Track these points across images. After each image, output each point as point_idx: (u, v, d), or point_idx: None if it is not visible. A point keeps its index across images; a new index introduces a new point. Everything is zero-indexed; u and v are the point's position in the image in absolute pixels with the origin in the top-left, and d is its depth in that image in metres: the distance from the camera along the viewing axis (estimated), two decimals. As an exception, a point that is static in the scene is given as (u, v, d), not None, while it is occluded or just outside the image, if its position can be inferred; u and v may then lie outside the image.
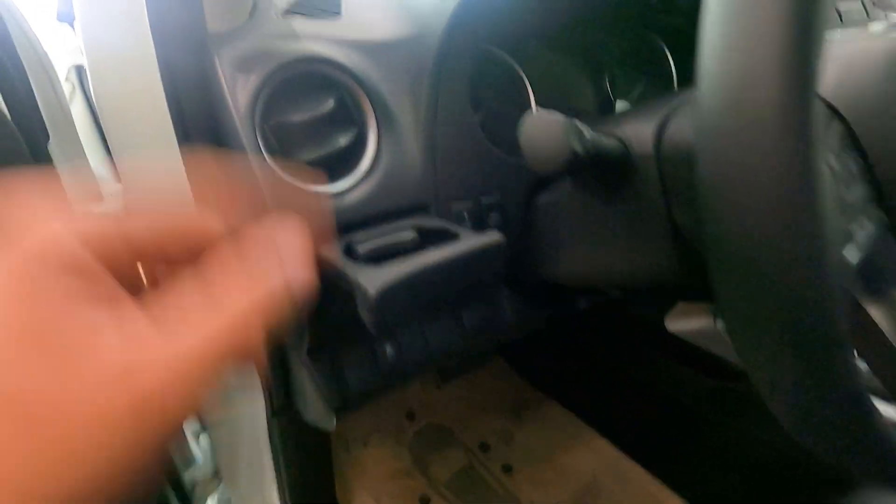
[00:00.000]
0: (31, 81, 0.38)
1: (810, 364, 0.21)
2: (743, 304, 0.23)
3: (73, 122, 0.45)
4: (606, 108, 0.56)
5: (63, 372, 0.13)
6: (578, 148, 0.27)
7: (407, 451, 0.90)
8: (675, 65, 0.56)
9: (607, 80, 0.54)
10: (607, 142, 0.31)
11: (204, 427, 0.71)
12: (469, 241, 0.29)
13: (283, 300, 0.18)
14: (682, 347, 0.73)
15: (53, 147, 0.40)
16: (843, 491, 0.65)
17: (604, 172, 0.35)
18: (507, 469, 0.87)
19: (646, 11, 0.50)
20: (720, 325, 0.71)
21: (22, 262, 0.14)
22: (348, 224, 0.34)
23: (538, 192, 0.43)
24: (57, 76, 0.43)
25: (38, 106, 0.39)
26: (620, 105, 0.55)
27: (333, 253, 0.31)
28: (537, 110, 0.29)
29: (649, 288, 0.51)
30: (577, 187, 0.39)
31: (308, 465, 0.68)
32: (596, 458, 0.88)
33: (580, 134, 0.27)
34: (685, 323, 0.75)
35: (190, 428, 0.72)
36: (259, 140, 0.32)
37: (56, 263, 0.15)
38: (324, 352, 0.39)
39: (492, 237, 0.30)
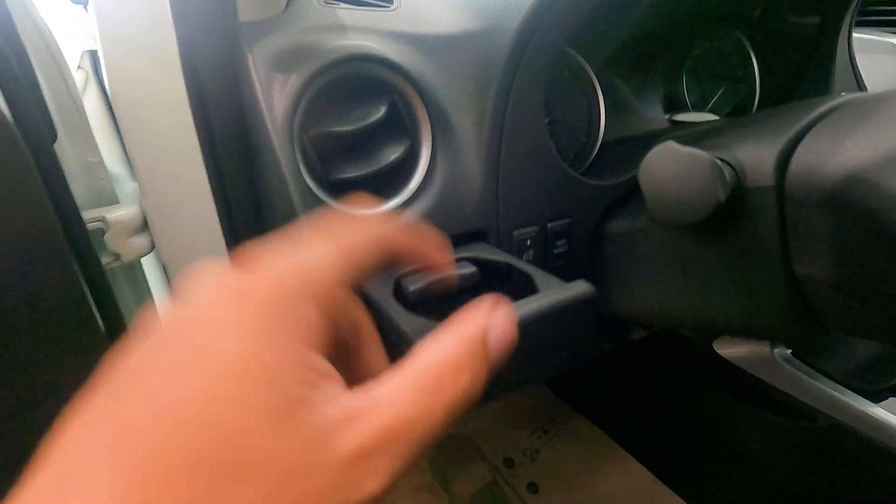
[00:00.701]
0: (35, 71, 0.33)
1: None
2: None
3: (86, 116, 0.40)
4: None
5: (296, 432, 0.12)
6: (723, 196, 0.21)
7: (428, 464, 0.86)
8: (759, 70, 0.49)
9: (684, 85, 0.47)
10: (727, 174, 0.25)
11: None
12: (553, 294, 0.24)
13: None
14: (730, 375, 0.67)
15: (62, 146, 0.35)
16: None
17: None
18: (533, 488, 0.83)
19: (741, 13, 0.43)
20: (777, 352, 0.65)
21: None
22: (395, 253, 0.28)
23: (608, 219, 0.37)
24: (67, 65, 0.38)
25: (43, 99, 0.34)
26: (694, 116, 0.49)
27: (381, 291, 0.26)
28: (669, 143, 0.23)
29: (745, 336, 0.45)
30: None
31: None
32: (629, 483, 0.82)
33: (724, 176, 0.21)
34: (737, 347, 0.69)
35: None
36: (297, 153, 0.27)
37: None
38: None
39: (582, 288, 0.24)
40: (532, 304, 0.22)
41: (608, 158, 0.39)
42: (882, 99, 0.27)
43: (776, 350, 0.63)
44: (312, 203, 0.27)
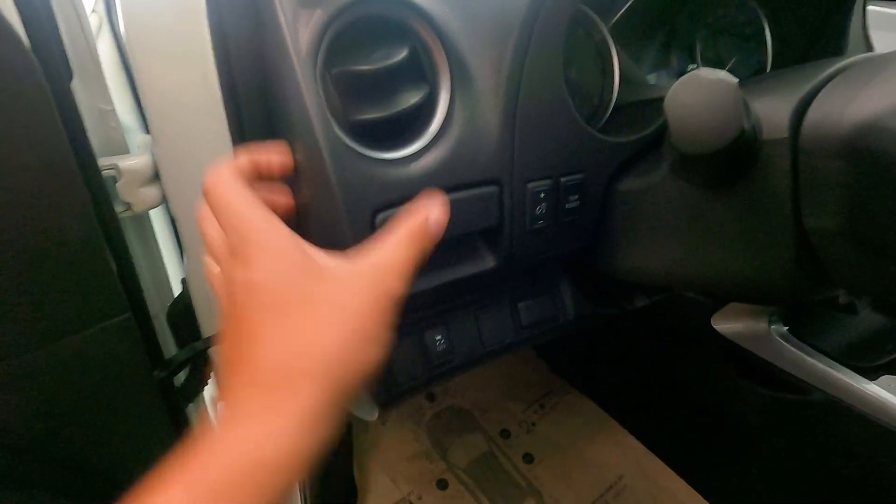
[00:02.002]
0: (55, 12, 0.33)
1: None
2: None
3: (99, 62, 0.40)
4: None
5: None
6: (746, 123, 0.22)
7: (425, 434, 0.87)
8: (772, 38, 0.49)
9: (698, 52, 0.47)
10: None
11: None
12: None
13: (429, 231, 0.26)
14: (728, 351, 0.68)
15: (76, 89, 0.35)
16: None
17: (719, 158, 0.29)
18: (529, 458, 0.85)
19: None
20: (774, 329, 0.66)
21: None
22: (412, 196, 0.29)
23: (620, 177, 0.38)
24: (83, 7, 0.37)
25: (62, 40, 0.34)
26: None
27: None
28: (696, 72, 0.23)
29: (750, 296, 0.45)
30: (676, 173, 0.33)
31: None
32: (622, 454, 0.84)
33: (748, 107, 0.22)
34: (734, 324, 0.70)
35: (208, 393, 0.69)
36: (321, 91, 0.27)
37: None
38: (370, 339, 0.35)
39: None
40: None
41: (621, 119, 0.40)
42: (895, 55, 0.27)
43: (773, 327, 0.64)
44: (335, 143, 0.28)
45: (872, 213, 0.24)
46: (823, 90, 0.27)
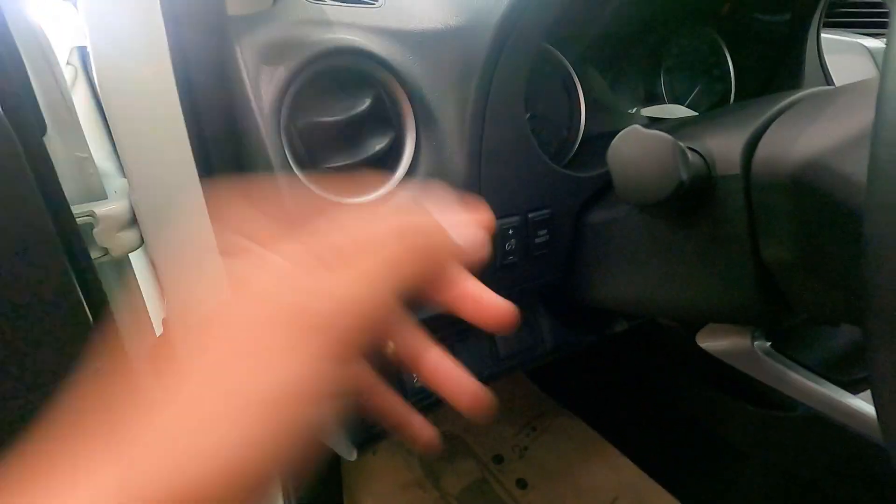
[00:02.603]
0: (26, 66, 0.34)
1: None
2: None
3: (75, 112, 0.40)
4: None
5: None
6: (685, 174, 0.23)
7: (417, 462, 0.86)
8: (734, 67, 0.51)
9: (662, 82, 0.49)
10: (693, 159, 0.26)
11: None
12: None
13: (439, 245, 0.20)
14: (713, 368, 0.68)
15: (51, 141, 0.36)
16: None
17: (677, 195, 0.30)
18: (522, 484, 0.84)
19: (712, 9, 0.45)
20: (757, 345, 0.67)
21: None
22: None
23: (588, 210, 0.38)
24: (57, 60, 0.38)
25: (33, 93, 0.35)
26: (668, 111, 0.50)
27: None
28: (635, 127, 0.24)
29: (718, 321, 0.46)
30: (639, 207, 0.34)
31: (315, 471, 0.65)
32: (616, 476, 0.84)
33: (686, 158, 0.23)
34: (719, 341, 0.70)
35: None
36: (284, 144, 0.28)
37: None
38: (346, 380, 0.35)
39: None
40: None
41: (588, 152, 0.41)
42: (841, 91, 0.28)
43: (756, 343, 0.65)
44: (302, 193, 0.28)
45: (821, 246, 0.25)
46: (772, 126, 0.28)
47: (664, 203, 0.24)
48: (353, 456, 0.38)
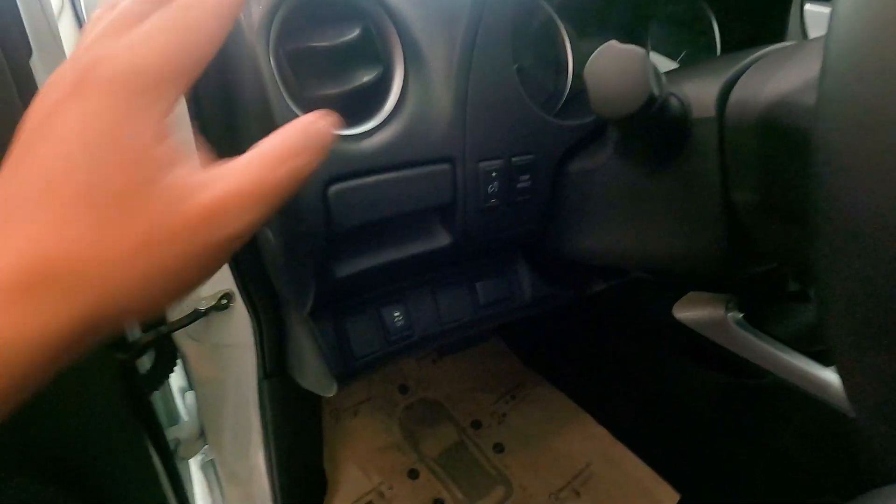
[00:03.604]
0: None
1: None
2: (853, 292, 0.18)
3: (60, 40, 0.40)
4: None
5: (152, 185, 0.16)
6: (656, 90, 0.24)
7: (397, 425, 0.88)
8: (720, 34, 0.52)
9: (648, 46, 0.50)
10: (672, 102, 0.27)
11: (190, 385, 0.68)
12: None
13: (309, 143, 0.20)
14: (687, 339, 0.71)
15: (35, 66, 0.36)
16: (842, 494, 0.64)
17: (654, 136, 0.31)
18: (499, 448, 0.86)
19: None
20: (730, 316, 0.69)
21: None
22: (368, 170, 0.30)
23: (569, 159, 0.39)
24: (44, -14, 0.38)
25: (20, 16, 0.35)
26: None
27: None
28: (610, 42, 0.25)
29: (687, 272, 0.48)
30: (618, 154, 0.35)
31: (296, 432, 0.66)
32: (590, 443, 0.86)
33: (659, 75, 0.24)
34: (694, 312, 0.73)
35: (176, 384, 0.69)
36: (273, 67, 0.28)
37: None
38: (327, 313, 0.36)
39: None
40: None
41: (575, 105, 0.41)
42: (814, 40, 0.30)
43: (730, 314, 0.67)
44: (289, 117, 0.29)
45: (786, 185, 0.27)
46: (746, 72, 0.29)
47: (636, 119, 0.25)
48: (333, 390, 0.39)
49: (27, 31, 0.36)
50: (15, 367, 0.15)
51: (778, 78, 0.27)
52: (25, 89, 0.34)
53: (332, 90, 0.30)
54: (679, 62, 0.51)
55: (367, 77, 0.31)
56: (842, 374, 0.21)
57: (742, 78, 0.29)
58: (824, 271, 0.19)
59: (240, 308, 0.45)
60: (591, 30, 0.46)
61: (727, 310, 0.67)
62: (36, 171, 0.16)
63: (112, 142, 0.16)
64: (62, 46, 0.40)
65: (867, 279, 0.17)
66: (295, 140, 0.19)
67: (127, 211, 0.16)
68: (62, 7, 0.44)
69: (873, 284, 0.17)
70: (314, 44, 0.29)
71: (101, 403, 0.44)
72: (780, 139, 0.26)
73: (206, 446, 0.67)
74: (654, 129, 0.29)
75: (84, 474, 0.42)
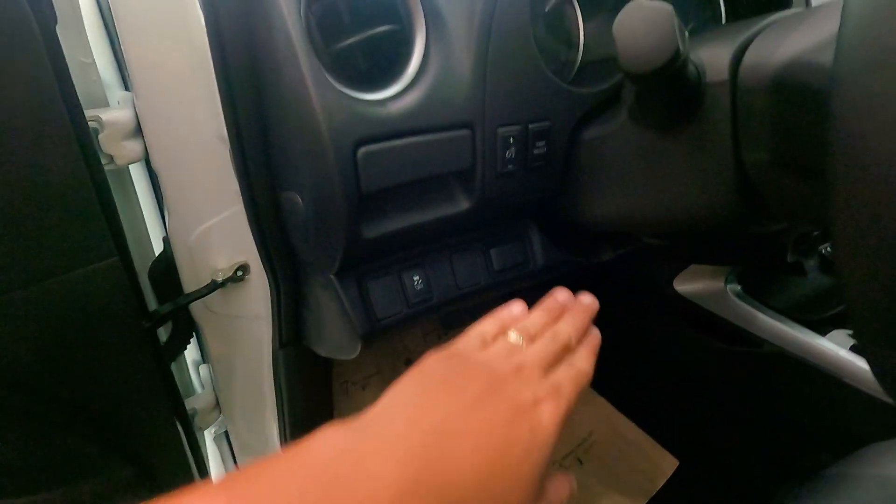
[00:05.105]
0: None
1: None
2: (876, 245, 0.19)
3: (81, 14, 0.40)
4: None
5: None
6: (682, 45, 0.25)
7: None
8: (725, 5, 0.53)
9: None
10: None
11: (204, 359, 0.69)
12: None
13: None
14: (687, 310, 0.73)
15: (61, 31, 0.36)
16: (839, 455, 0.66)
17: (670, 98, 0.32)
18: (503, 420, 0.88)
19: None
20: (730, 288, 0.71)
21: None
22: (394, 133, 0.31)
23: (584, 127, 0.41)
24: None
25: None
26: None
27: None
28: (639, 1, 0.26)
29: (696, 234, 0.49)
30: (632, 118, 0.36)
31: (308, 404, 0.68)
32: (592, 413, 0.89)
33: (683, 31, 0.25)
34: (694, 284, 0.75)
35: (189, 357, 0.70)
36: (304, 26, 0.29)
37: None
38: (351, 274, 0.38)
39: None
40: None
41: (588, 75, 0.42)
42: (821, 6, 0.31)
43: (729, 286, 0.69)
44: (321, 84, 0.29)
45: (798, 142, 0.28)
46: (759, 37, 0.31)
47: (661, 74, 0.26)
48: (357, 351, 0.40)
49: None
50: None
51: (791, 40, 0.28)
52: (54, 56, 0.34)
53: (356, 37, 0.31)
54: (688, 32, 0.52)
55: (387, 27, 0.31)
56: (855, 310, 0.22)
57: (754, 42, 0.30)
58: (842, 218, 0.21)
59: (255, 279, 0.47)
60: (601, 4, 0.47)
61: (727, 282, 0.69)
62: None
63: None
64: (82, 21, 0.40)
65: (884, 222, 0.19)
66: None
67: None
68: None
69: (890, 227, 0.19)
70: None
71: (129, 371, 0.46)
72: (794, 98, 0.27)
73: (220, 417, 0.69)
74: (672, 89, 0.30)
75: (120, 436, 0.44)
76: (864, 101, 0.18)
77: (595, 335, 0.30)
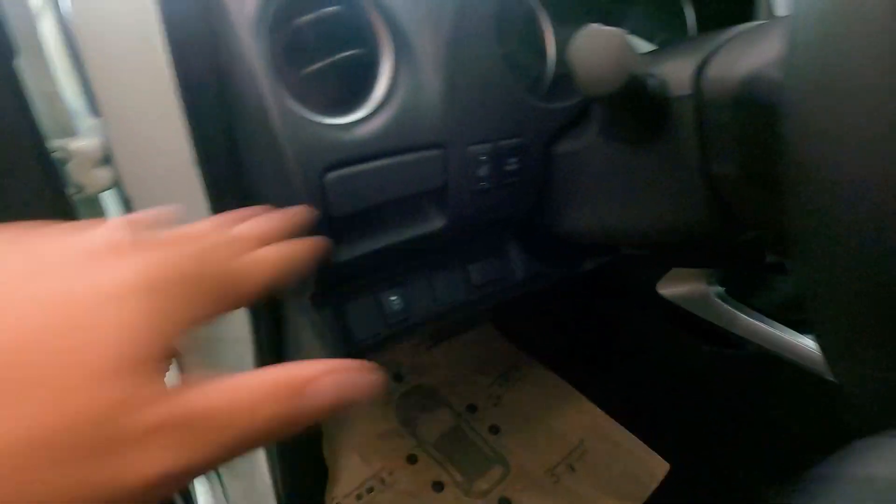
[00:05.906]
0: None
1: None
2: (830, 260, 0.20)
3: (42, 43, 0.40)
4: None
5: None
6: (635, 67, 0.25)
7: (394, 413, 0.89)
8: (697, 21, 0.54)
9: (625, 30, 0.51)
10: (651, 82, 0.28)
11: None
12: None
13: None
14: (673, 313, 0.73)
15: (22, 65, 0.36)
16: (827, 454, 0.67)
17: (636, 115, 0.32)
18: (495, 430, 0.88)
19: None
20: (712, 290, 0.72)
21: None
22: (362, 157, 0.31)
23: (557, 141, 0.41)
24: (25, -15, 0.37)
25: (3, 15, 0.35)
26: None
27: None
28: (592, 25, 0.26)
29: (671, 244, 0.49)
30: (602, 134, 0.37)
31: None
32: (584, 420, 0.89)
33: (636, 55, 0.25)
34: (677, 287, 0.75)
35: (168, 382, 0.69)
36: (262, 55, 0.29)
37: None
38: (328, 299, 0.37)
39: None
40: None
41: (562, 88, 0.43)
42: (777, 20, 0.31)
43: (711, 289, 0.70)
44: (285, 113, 0.29)
45: (761, 156, 0.28)
46: (720, 51, 0.31)
47: (619, 97, 0.26)
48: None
49: (11, 29, 0.36)
50: None
51: (749, 55, 0.28)
52: (13, 90, 0.34)
53: (322, 61, 0.31)
54: (656, 45, 0.53)
55: (354, 51, 0.31)
56: (816, 324, 0.22)
57: (716, 56, 0.31)
58: (799, 231, 0.21)
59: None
60: (571, 16, 0.48)
61: (709, 284, 0.69)
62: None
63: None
64: (45, 51, 0.39)
65: (837, 233, 0.19)
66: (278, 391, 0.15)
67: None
68: (42, 8, 0.43)
69: (843, 237, 0.19)
70: (299, 20, 0.29)
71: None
72: (754, 113, 0.27)
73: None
74: (636, 107, 0.30)
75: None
76: (812, 125, 0.18)
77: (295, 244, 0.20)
